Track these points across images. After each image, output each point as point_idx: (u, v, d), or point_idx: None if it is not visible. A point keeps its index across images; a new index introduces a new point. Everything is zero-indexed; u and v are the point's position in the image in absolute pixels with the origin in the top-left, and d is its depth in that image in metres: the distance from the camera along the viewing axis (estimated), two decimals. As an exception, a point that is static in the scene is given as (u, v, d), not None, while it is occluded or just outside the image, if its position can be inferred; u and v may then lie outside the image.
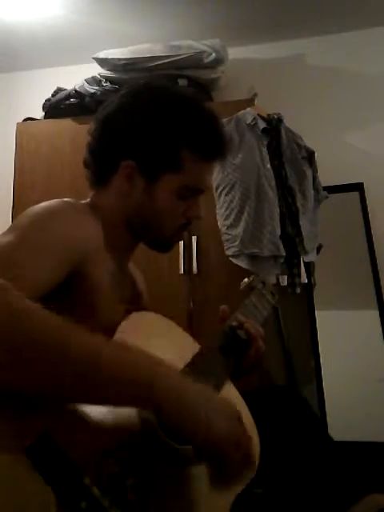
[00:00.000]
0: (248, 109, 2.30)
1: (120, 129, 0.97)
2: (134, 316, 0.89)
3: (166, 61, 2.56)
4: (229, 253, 2.16)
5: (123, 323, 0.84)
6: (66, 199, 0.93)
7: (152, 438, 0.69)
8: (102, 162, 1.01)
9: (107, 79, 2.65)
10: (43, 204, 0.88)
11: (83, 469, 0.57)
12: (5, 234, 0.82)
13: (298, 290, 2.24)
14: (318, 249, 2.35)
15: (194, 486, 0.71)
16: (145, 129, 0.95)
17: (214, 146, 1.01)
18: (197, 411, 0.65)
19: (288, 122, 2.38)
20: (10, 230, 0.82)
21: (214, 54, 2.56)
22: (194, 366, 0.86)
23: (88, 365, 0.61)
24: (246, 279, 1.16)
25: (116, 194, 0.99)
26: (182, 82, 2.54)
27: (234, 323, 1.00)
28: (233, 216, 2.16)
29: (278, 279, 2.20)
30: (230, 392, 0.94)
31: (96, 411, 0.65)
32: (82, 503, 0.54)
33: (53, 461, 0.55)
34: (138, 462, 0.64)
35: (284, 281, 2.23)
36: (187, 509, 0.69)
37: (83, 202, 1.02)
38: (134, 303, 1.04)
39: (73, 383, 0.60)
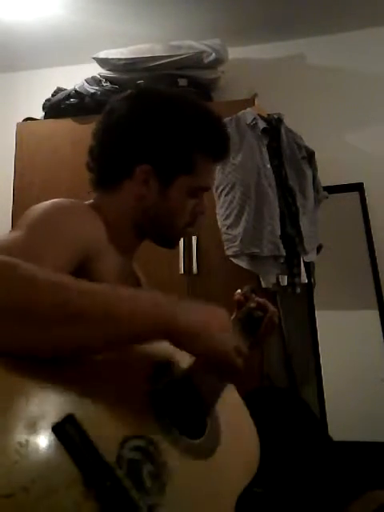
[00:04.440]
0: (248, 109, 2.31)
1: (134, 134, 0.98)
2: None
3: (166, 61, 2.56)
4: (229, 253, 2.16)
5: None
6: (69, 199, 0.94)
7: (167, 430, 0.72)
8: (113, 166, 1.01)
9: (107, 79, 2.66)
10: (49, 202, 0.89)
11: (103, 452, 0.59)
12: (16, 229, 0.82)
13: (298, 290, 2.24)
14: (318, 249, 2.36)
15: (205, 475, 0.73)
16: (160, 134, 0.98)
17: (223, 147, 1.05)
18: (203, 341, 0.72)
19: (288, 122, 2.38)
20: (20, 225, 0.83)
21: (213, 54, 2.56)
22: None
23: (105, 316, 0.65)
24: (238, 290, 1.23)
25: (128, 197, 1.00)
26: (182, 82, 2.54)
27: (252, 305, 1.10)
28: (233, 216, 2.16)
29: (277, 279, 2.20)
30: (231, 394, 0.95)
31: (114, 399, 0.67)
32: (107, 482, 0.57)
33: (78, 441, 0.57)
34: (155, 450, 0.67)
35: (284, 281, 2.23)
36: (200, 497, 0.71)
37: (86, 202, 1.02)
38: None
39: (92, 335, 0.65)
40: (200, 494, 0.71)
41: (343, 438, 1.84)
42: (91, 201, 1.03)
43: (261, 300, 1.12)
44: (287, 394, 1.25)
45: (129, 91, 1.05)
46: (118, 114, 1.00)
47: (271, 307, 1.13)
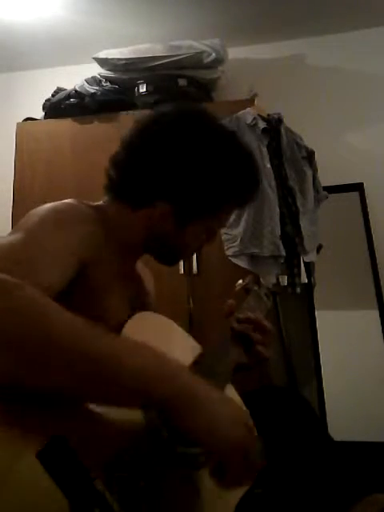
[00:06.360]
0: (248, 109, 2.30)
1: (165, 167, 0.92)
2: (137, 317, 0.90)
3: (166, 61, 2.56)
4: (229, 253, 2.16)
5: (127, 324, 0.86)
6: (70, 201, 0.92)
7: (158, 441, 0.68)
8: (134, 189, 0.96)
9: (107, 79, 2.65)
10: (49, 205, 0.87)
11: (94, 473, 0.56)
12: (13, 233, 0.81)
13: (298, 290, 2.24)
14: (318, 249, 2.35)
15: (201, 487, 0.71)
16: (191, 177, 0.92)
17: (253, 196, 1.01)
18: (203, 414, 0.64)
19: (288, 122, 2.38)
20: (18, 229, 0.81)
21: (213, 54, 2.56)
22: (199, 366, 0.87)
23: (104, 364, 0.60)
24: (240, 281, 1.16)
25: (139, 222, 0.96)
26: (181, 82, 2.54)
27: (241, 316, 1.01)
28: (233, 216, 2.16)
29: (277, 279, 2.20)
30: (230, 393, 0.94)
31: (104, 416, 0.64)
32: (96, 510, 0.53)
33: (65, 465, 0.54)
34: (147, 465, 0.64)
35: (284, 281, 2.23)
36: (199, 506, 0.69)
37: (93, 204, 0.98)
38: (140, 302, 1.03)
39: (89, 381, 0.60)
40: (198, 503, 0.69)
41: (343, 438, 1.84)
42: (100, 203, 1.00)
43: (252, 316, 1.00)
44: (287, 393, 1.24)
45: (175, 108, 0.96)
46: (155, 135, 0.93)
47: (264, 323, 1.00)
